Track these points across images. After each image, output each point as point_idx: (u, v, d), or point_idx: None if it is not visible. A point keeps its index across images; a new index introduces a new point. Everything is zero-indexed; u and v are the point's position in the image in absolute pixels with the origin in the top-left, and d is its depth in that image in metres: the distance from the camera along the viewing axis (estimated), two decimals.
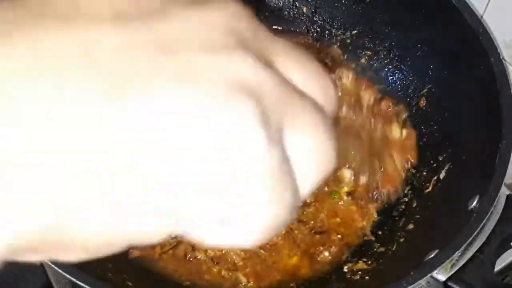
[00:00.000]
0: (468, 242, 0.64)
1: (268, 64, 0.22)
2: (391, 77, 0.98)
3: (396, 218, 0.84)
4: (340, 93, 0.91)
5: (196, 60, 0.19)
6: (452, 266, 0.69)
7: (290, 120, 0.21)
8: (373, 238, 0.84)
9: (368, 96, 0.91)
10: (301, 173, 0.21)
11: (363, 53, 1.01)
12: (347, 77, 0.95)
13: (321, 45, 1.02)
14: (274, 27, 1.05)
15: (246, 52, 0.21)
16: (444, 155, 0.83)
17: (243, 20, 0.23)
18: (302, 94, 0.22)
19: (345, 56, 1.01)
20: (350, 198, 0.86)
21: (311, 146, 0.21)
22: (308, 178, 0.22)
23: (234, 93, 0.19)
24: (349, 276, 0.79)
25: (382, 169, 0.84)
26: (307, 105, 0.22)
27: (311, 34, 1.04)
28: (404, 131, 0.87)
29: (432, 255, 0.64)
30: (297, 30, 1.05)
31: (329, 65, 0.98)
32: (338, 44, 1.02)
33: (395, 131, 0.87)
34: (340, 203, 0.85)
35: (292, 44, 0.25)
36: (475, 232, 0.64)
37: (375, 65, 1.00)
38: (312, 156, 0.22)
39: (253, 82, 0.20)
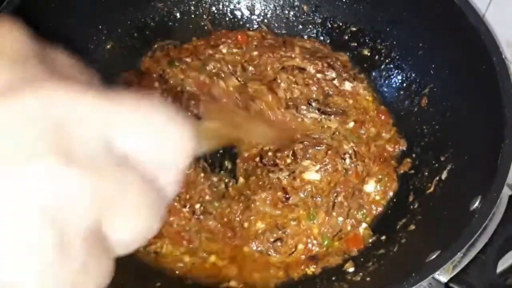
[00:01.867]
0: (470, 243, 0.63)
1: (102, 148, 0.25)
2: (393, 77, 0.98)
3: (397, 219, 0.84)
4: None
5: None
6: (454, 267, 0.69)
7: (111, 215, 0.25)
8: (374, 239, 0.84)
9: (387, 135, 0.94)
10: (121, 246, 0.27)
11: (364, 52, 1.01)
12: (364, 95, 0.97)
13: (329, 51, 1.02)
14: (272, 27, 1.06)
15: (54, 156, 0.23)
16: (446, 155, 0.82)
17: (58, 105, 0.25)
18: (126, 181, 0.26)
19: (354, 64, 1.01)
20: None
21: (131, 228, 0.26)
22: (126, 247, 0.27)
23: (21, 221, 0.22)
24: (350, 277, 0.79)
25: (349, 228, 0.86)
26: (129, 192, 0.26)
27: (310, 32, 1.04)
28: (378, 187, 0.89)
29: (434, 256, 0.64)
30: (298, 28, 1.05)
31: (339, 71, 0.98)
32: (339, 43, 1.03)
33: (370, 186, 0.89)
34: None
35: (141, 101, 0.27)
36: (477, 233, 0.64)
37: (377, 64, 1.00)
38: (130, 240, 0.27)
39: (54, 195, 0.23)
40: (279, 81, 0.96)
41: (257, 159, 0.89)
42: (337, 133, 0.92)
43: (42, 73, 0.25)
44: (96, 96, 0.25)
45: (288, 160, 0.88)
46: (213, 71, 0.97)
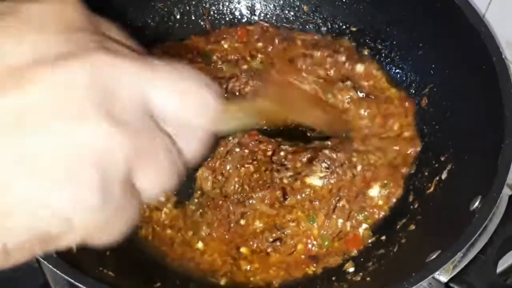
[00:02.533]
0: (470, 243, 0.63)
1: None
2: (393, 77, 0.97)
3: (397, 219, 0.84)
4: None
5: (39, 136, 0.26)
6: (454, 267, 0.69)
7: (140, 168, 0.30)
8: (374, 239, 0.84)
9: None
10: (145, 193, 0.32)
11: (364, 52, 1.01)
12: (379, 77, 0.96)
13: (332, 38, 1.02)
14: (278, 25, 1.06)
15: (102, 117, 0.27)
16: (446, 155, 0.82)
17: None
18: (155, 140, 0.31)
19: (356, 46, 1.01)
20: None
21: (153, 180, 0.32)
22: (149, 195, 0.32)
23: (74, 168, 0.27)
24: (350, 277, 0.79)
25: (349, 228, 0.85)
26: (155, 151, 0.31)
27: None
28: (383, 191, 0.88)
29: (434, 256, 0.63)
30: (298, 28, 1.05)
31: (347, 54, 0.97)
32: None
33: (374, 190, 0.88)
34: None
35: (169, 61, 0.33)
36: (477, 233, 0.64)
37: (377, 64, 0.99)
38: (153, 190, 0.32)
39: (101, 149, 0.28)
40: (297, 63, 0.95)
41: (269, 153, 0.88)
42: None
43: (91, 44, 0.29)
44: (138, 66, 0.30)
45: (298, 164, 0.87)
46: (218, 63, 0.96)
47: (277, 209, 0.85)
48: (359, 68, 0.96)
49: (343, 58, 0.97)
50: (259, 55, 0.98)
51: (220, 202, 0.85)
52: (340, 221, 0.85)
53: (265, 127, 0.89)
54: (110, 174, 0.28)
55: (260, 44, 1.00)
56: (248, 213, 0.85)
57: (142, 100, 0.30)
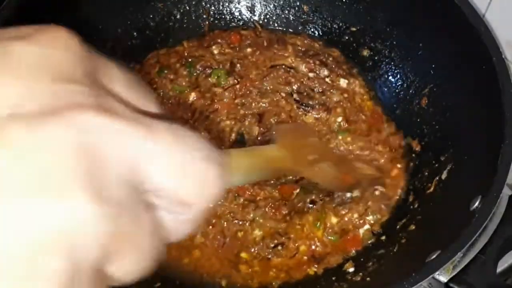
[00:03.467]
0: (470, 243, 0.63)
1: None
2: (393, 77, 0.98)
3: (398, 219, 0.84)
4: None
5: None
6: (454, 267, 0.69)
7: (118, 255, 0.25)
8: (374, 239, 0.84)
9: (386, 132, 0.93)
10: (114, 281, 0.26)
11: (364, 52, 1.01)
12: (360, 93, 0.96)
13: (321, 47, 1.02)
14: (272, 27, 1.06)
15: (86, 192, 0.22)
16: (446, 155, 0.82)
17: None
18: (141, 222, 0.25)
19: (346, 58, 1.01)
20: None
21: (129, 268, 0.26)
22: (118, 282, 0.26)
23: (39, 261, 0.21)
24: (350, 277, 0.79)
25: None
26: (139, 236, 0.25)
27: (311, 33, 1.04)
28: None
29: (434, 256, 0.63)
30: (298, 29, 1.05)
31: (332, 67, 0.98)
32: (339, 43, 1.03)
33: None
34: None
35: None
36: (477, 233, 0.64)
37: (377, 64, 1.00)
38: (127, 277, 0.26)
39: (77, 234, 0.22)
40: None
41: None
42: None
43: (83, 99, 0.24)
44: (133, 127, 0.25)
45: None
46: (199, 71, 0.96)
47: (287, 221, 0.84)
48: (342, 83, 0.96)
49: (326, 72, 0.96)
50: (238, 65, 0.97)
51: (214, 220, 0.84)
52: (355, 215, 0.84)
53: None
54: (82, 264, 0.23)
55: (249, 50, 0.99)
56: (247, 225, 0.84)
57: (133, 170, 0.25)
